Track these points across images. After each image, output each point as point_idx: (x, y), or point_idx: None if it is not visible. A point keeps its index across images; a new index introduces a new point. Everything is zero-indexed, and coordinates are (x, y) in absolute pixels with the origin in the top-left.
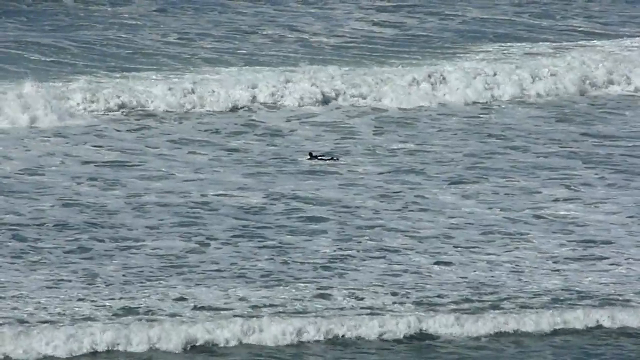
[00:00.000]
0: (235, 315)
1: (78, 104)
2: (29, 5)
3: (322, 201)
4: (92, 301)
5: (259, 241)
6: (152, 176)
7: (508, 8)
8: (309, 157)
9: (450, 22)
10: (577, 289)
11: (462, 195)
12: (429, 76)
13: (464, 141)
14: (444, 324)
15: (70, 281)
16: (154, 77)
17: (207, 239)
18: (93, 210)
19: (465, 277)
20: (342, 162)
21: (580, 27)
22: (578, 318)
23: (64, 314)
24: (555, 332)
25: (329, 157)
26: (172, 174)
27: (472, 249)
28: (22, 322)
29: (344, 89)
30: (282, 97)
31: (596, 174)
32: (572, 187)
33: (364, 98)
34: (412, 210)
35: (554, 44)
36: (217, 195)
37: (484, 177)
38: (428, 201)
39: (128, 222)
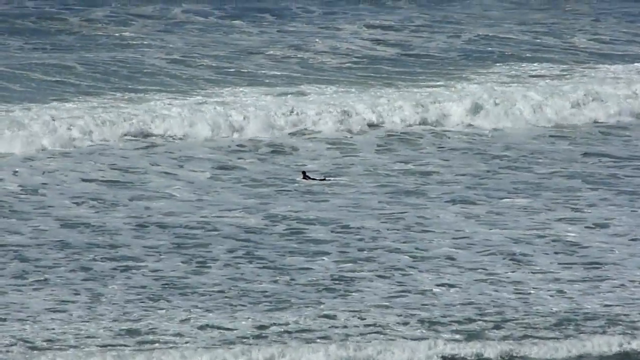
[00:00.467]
0: (240, 337)
1: (96, 125)
2: (34, 23)
3: (323, 221)
4: (98, 322)
5: (260, 263)
6: (153, 196)
7: (513, 26)
8: (302, 176)
9: (456, 40)
10: (582, 310)
11: (464, 215)
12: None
13: (465, 161)
14: (454, 346)
15: (74, 302)
16: (162, 98)
17: (208, 260)
18: (93, 231)
19: (469, 299)
20: (333, 182)
21: (587, 47)
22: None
23: (69, 335)
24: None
25: (321, 178)
26: (173, 195)
27: (475, 270)
28: (27, 342)
29: (383, 112)
30: (318, 123)
31: (599, 195)
32: (576, 208)
33: (404, 121)
34: (414, 231)
35: (562, 66)
36: (218, 216)
37: (486, 197)
38: (430, 221)
39: (129, 242)
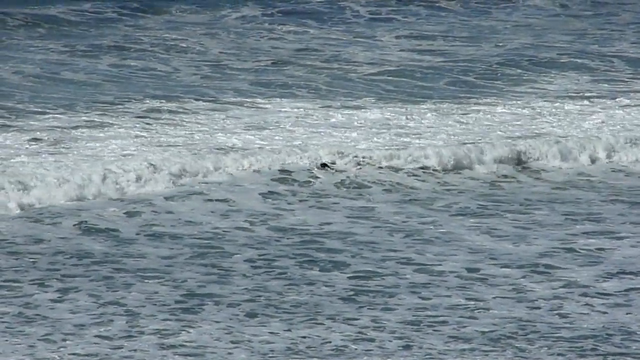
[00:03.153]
0: (282, 352)
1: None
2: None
3: (337, 235)
4: (139, 337)
5: (279, 274)
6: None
7: (558, 37)
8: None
9: (497, 49)
10: (620, 326)
11: (482, 229)
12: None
13: (479, 172)
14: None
15: (114, 314)
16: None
17: (226, 270)
18: (108, 239)
19: (502, 314)
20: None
21: (629, 53)
22: None
23: (118, 351)
24: None
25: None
26: (186, 201)
27: (502, 286)
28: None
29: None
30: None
31: (618, 207)
32: (596, 220)
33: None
34: (431, 245)
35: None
36: (232, 224)
37: (502, 210)
38: (447, 235)
39: (146, 251)
